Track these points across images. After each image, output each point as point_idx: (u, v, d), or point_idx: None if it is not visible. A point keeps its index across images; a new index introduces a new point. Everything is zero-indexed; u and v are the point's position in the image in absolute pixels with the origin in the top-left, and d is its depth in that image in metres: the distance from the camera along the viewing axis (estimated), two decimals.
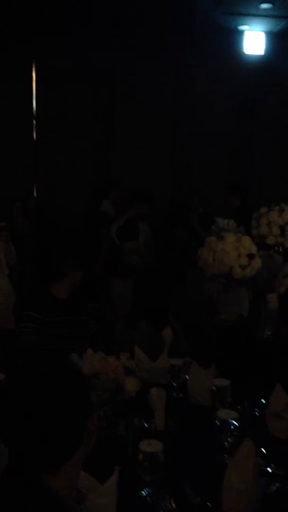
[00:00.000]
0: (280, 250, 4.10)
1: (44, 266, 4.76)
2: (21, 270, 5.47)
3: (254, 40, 7.01)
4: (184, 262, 3.86)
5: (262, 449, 1.90)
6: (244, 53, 7.08)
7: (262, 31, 6.95)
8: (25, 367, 1.23)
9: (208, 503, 1.63)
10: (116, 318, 3.81)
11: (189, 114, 7.21)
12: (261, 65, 7.11)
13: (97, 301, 4.06)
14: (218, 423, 1.89)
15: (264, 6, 6.02)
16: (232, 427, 1.87)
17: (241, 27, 6.86)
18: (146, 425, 2.09)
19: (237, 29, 6.89)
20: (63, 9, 5.98)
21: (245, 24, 6.77)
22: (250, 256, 3.62)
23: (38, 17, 6.13)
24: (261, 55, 7.08)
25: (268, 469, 1.82)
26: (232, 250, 3.61)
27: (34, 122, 7.00)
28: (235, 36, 7.00)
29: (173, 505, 1.62)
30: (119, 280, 4.12)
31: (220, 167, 7.33)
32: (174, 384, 2.45)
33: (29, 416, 1.09)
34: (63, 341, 2.86)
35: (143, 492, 1.65)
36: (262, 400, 2.29)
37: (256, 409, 2.25)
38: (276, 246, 4.10)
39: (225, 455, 1.82)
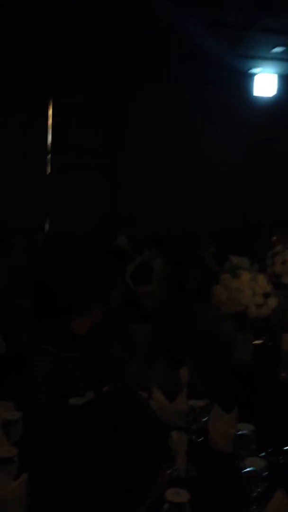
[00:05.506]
0: None
1: (57, 301, 4.70)
2: (20, 305, 5.36)
3: (266, 82, 7.15)
4: (195, 300, 3.79)
5: None
6: (255, 96, 7.22)
7: (274, 73, 7.09)
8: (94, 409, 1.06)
9: None
10: (128, 357, 3.71)
11: (201, 153, 7.29)
12: (272, 106, 7.23)
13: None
14: (245, 472, 1.80)
15: (277, 49, 6.15)
16: (259, 476, 1.78)
17: (254, 70, 7.00)
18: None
19: (248, 71, 7.04)
20: (81, 48, 6.11)
21: (257, 67, 6.91)
22: (266, 295, 3.56)
23: (55, 57, 6.27)
24: (273, 97, 7.21)
25: None
26: (247, 288, 3.55)
27: (49, 156, 7.09)
28: (247, 78, 7.15)
29: None
30: (136, 325, 4.03)
31: (231, 206, 7.36)
32: (194, 427, 2.36)
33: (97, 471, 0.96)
34: (78, 378, 2.78)
35: None
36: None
37: (280, 457, 2.16)
38: None
39: (254, 507, 1.73)
